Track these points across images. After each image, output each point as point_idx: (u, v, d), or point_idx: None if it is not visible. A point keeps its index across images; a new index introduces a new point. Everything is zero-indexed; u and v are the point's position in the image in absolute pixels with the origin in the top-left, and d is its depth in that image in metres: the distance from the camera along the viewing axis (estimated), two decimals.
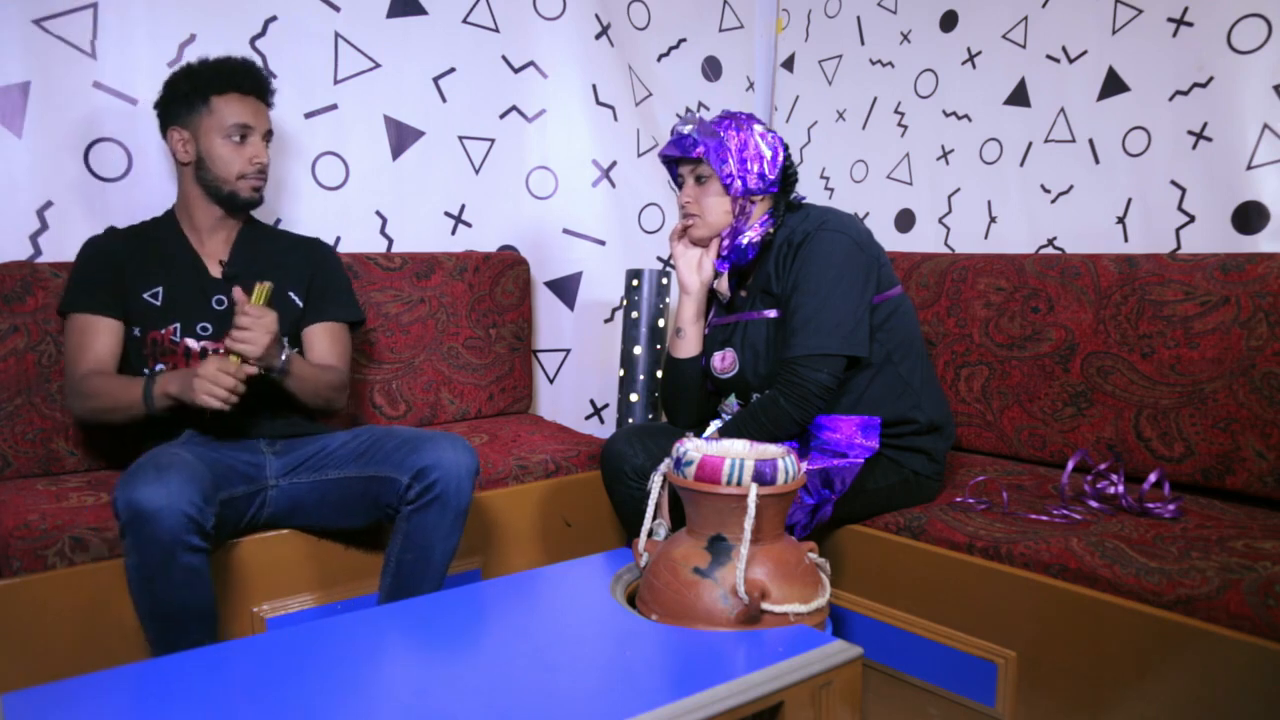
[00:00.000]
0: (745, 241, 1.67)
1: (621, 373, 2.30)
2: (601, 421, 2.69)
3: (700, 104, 2.81)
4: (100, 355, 1.59)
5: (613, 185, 2.62)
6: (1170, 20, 1.94)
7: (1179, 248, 1.96)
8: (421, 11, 2.30)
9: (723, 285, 1.74)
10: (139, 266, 1.65)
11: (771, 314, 1.67)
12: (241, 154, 1.65)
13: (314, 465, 1.62)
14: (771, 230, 1.67)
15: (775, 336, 1.65)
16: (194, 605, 1.33)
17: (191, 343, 1.64)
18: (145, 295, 1.63)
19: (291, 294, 1.74)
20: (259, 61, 2.07)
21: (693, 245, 1.75)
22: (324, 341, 1.76)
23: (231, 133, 1.63)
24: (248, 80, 1.67)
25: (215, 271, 1.69)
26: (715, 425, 1.67)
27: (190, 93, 1.64)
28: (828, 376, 1.55)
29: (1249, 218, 1.83)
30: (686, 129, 1.67)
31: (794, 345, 1.57)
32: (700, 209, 1.68)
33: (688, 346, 1.77)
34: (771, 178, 1.65)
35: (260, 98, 1.70)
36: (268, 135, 1.71)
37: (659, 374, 2.27)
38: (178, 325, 1.64)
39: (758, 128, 1.66)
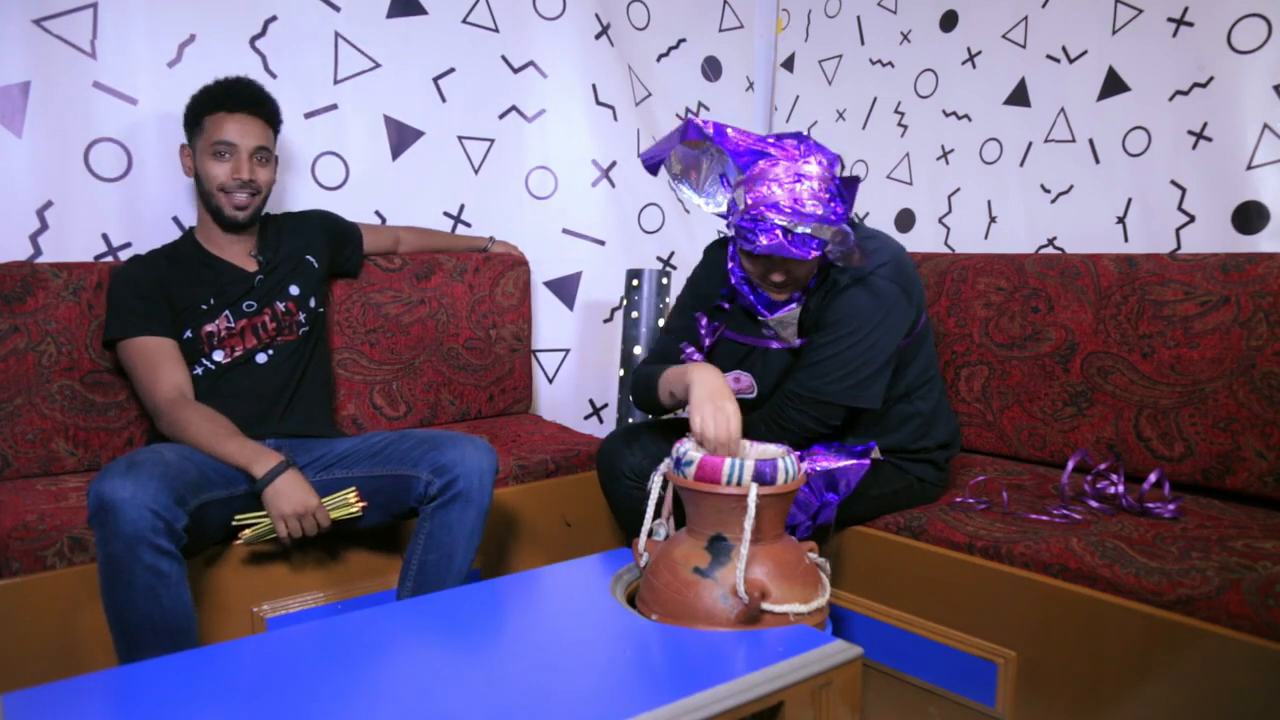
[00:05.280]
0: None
1: (621, 373, 2.30)
2: (601, 421, 2.69)
3: (700, 104, 2.81)
4: (178, 380, 1.60)
5: (612, 185, 2.62)
6: (1170, 20, 1.94)
7: (1179, 248, 1.96)
8: (421, 11, 2.30)
9: (790, 332, 1.57)
10: (183, 286, 1.68)
11: (797, 343, 1.58)
12: (224, 168, 1.68)
13: (321, 464, 1.62)
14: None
15: (794, 367, 1.58)
16: (160, 619, 1.29)
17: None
18: (201, 306, 1.68)
19: (310, 258, 1.86)
20: (259, 61, 2.07)
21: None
22: (378, 232, 2.14)
23: (214, 149, 1.68)
24: (230, 98, 1.69)
25: (251, 266, 1.77)
26: None
27: (192, 115, 1.71)
28: (815, 423, 1.50)
29: (1249, 218, 1.83)
30: (800, 228, 1.37)
31: (797, 378, 1.52)
32: (794, 278, 1.49)
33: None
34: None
35: (252, 113, 1.70)
36: (260, 152, 1.71)
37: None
38: (228, 312, 1.70)
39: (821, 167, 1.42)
